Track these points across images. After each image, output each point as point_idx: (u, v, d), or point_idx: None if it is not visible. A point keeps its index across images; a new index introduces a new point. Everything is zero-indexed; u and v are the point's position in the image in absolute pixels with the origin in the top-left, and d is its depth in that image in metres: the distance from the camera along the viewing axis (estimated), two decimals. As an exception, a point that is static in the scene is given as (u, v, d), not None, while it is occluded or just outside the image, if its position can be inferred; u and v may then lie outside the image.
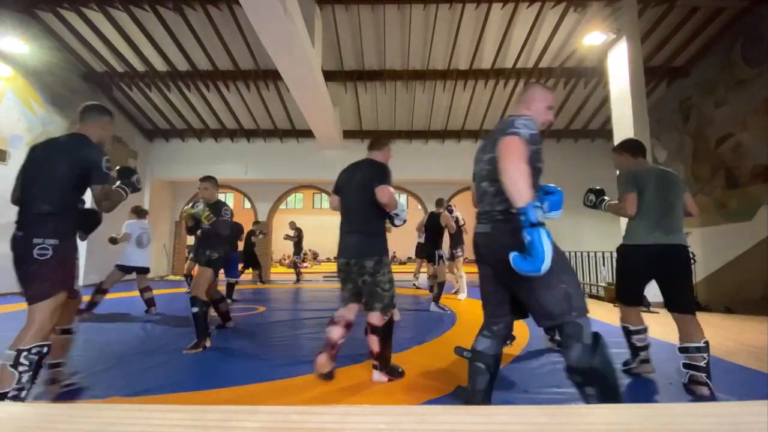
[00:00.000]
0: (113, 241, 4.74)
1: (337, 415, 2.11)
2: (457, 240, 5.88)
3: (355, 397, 2.06)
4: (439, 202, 5.48)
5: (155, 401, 1.99)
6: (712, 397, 1.98)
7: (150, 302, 4.85)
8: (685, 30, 6.99)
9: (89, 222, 2.08)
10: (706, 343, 2.11)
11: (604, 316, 4.58)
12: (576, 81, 8.31)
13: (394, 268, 5.41)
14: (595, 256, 6.91)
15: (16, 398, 1.67)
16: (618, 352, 2.94)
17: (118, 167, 2.19)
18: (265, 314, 4.91)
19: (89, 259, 7.65)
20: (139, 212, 5.03)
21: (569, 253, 7.84)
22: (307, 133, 9.38)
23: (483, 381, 1.66)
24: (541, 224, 1.32)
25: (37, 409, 1.89)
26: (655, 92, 8.26)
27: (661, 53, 7.50)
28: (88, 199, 1.95)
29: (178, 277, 10.28)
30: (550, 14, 6.86)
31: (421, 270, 7.62)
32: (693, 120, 7.56)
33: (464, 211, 6.03)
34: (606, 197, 2.58)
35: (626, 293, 2.49)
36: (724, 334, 3.42)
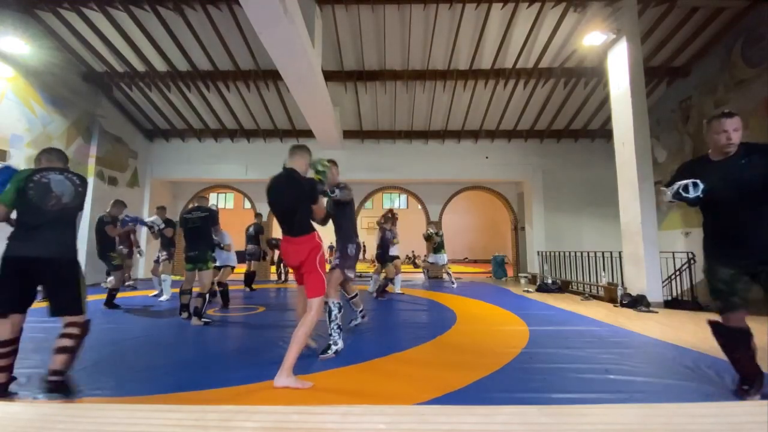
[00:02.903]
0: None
1: (337, 415, 2.11)
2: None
3: (355, 397, 2.05)
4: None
5: (155, 401, 1.99)
6: (712, 397, 1.98)
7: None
8: (685, 30, 6.99)
9: None
10: None
11: (604, 316, 4.58)
12: (576, 81, 8.30)
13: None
14: (595, 256, 6.92)
15: None
16: (618, 352, 2.95)
17: None
18: (265, 314, 4.91)
19: (89, 259, 7.64)
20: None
21: (569, 253, 7.84)
22: (307, 133, 9.38)
23: None
24: None
25: (37, 409, 1.90)
26: (655, 92, 8.26)
27: (661, 53, 7.50)
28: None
29: (178, 277, 10.26)
30: (550, 14, 6.86)
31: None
32: (693, 120, 7.56)
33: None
34: None
35: None
36: (724, 334, 3.41)
